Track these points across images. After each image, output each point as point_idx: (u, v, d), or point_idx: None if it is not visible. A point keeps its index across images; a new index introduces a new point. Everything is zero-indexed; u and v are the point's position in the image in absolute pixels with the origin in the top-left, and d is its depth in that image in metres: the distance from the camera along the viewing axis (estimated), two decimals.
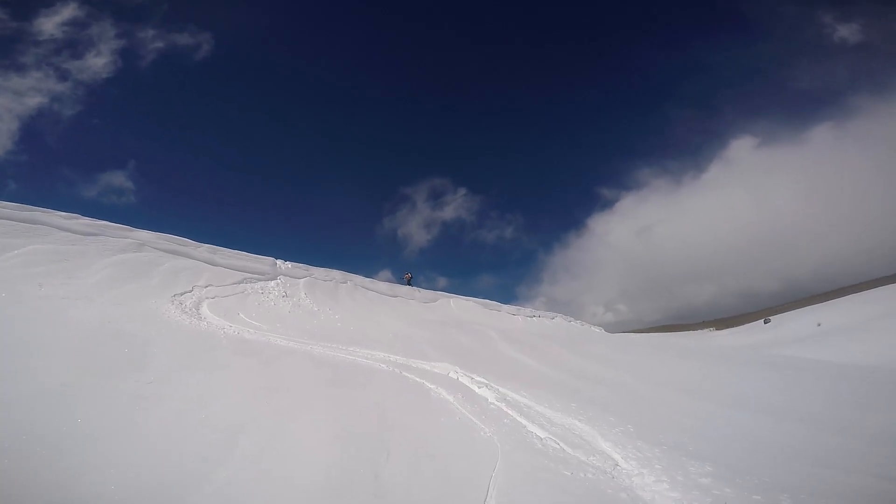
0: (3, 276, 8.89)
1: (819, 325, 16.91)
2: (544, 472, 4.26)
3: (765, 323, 19.22)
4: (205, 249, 16.56)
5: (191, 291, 11.89)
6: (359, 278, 20.57)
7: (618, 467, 4.51)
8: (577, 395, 6.93)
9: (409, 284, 22.11)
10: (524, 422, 5.69)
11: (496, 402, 6.40)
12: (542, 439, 5.13)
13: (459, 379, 7.58)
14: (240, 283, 14.64)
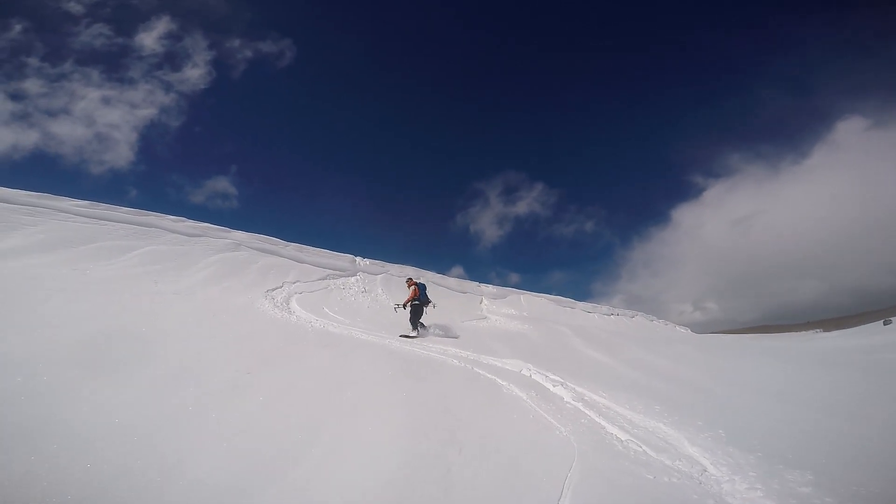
0: (127, 274, 10.25)
1: None
2: (624, 475, 4.12)
3: (884, 324, 16.84)
4: (292, 248, 17.88)
5: (281, 287, 12.91)
6: (430, 274, 21.02)
7: (706, 473, 4.25)
8: (661, 397, 6.59)
9: (416, 303, 11.12)
10: (603, 422, 5.52)
11: (572, 402, 6.27)
12: (622, 441, 4.96)
13: (532, 376, 7.51)
14: (323, 279, 15.60)
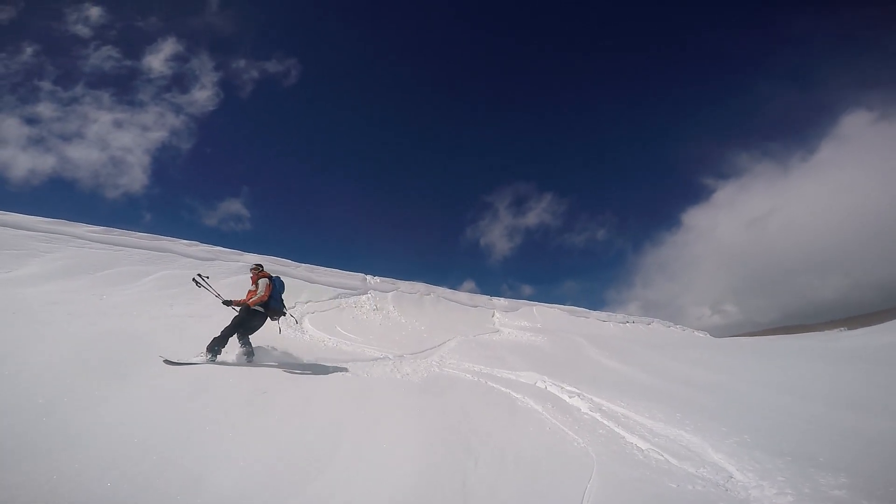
0: (142, 298, 10.40)
1: None
2: (646, 485, 4.00)
3: None
4: (303, 269, 18.05)
5: (293, 308, 12.97)
6: (440, 290, 21.01)
7: (732, 479, 4.10)
8: (682, 403, 6.42)
9: (256, 310, 7.05)
10: (622, 432, 5.39)
11: (590, 412, 6.15)
12: (643, 450, 4.83)
13: (548, 388, 7.39)
14: (335, 298, 15.66)
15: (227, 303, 7.07)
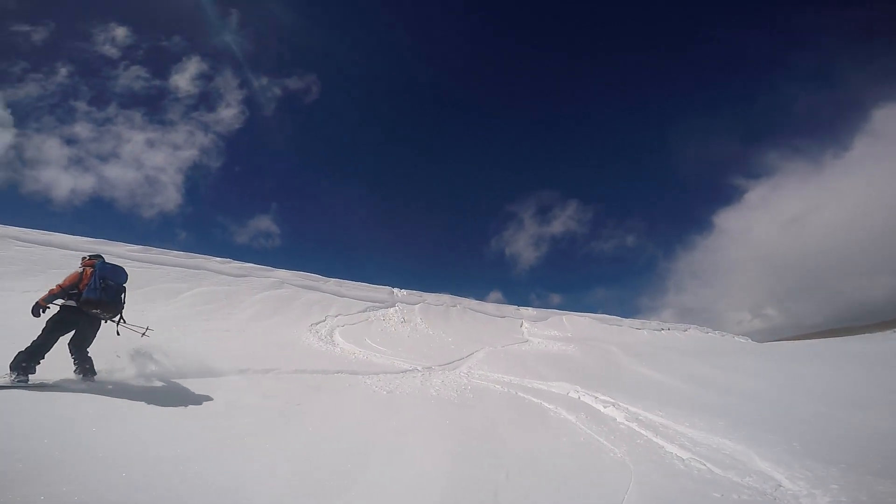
0: (178, 314, 10.77)
1: None
2: (688, 495, 3.83)
3: None
4: (332, 283, 18.36)
5: (324, 321, 13.18)
6: (467, 301, 20.95)
7: (781, 488, 3.89)
8: (723, 411, 6.16)
9: (69, 304, 4.99)
10: (661, 442, 5.20)
11: (626, 422, 5.96)
12: (683, 460, 4.64)
13: (581, 398, 7.22)
14: (364, 311, 15.82)
15: (35, 307, 4.78)
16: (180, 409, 4.84)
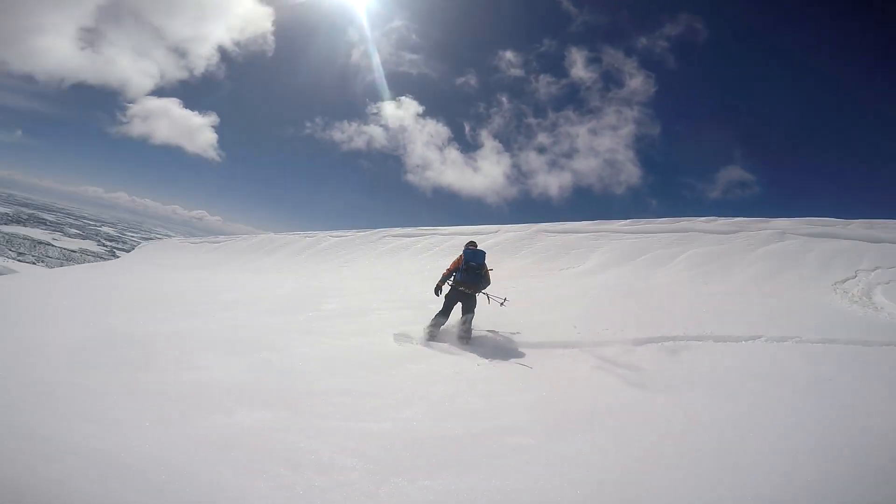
0: (677, 279, 11.35)
1: None
2: None
3: None
4: (857, 225, 14.01)
5: (854, 277, 10.33)
6: None
7: None
8: None
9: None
10: None
11: None
12: None
13: None
14: None
15: (436, 289, 6.67)
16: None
